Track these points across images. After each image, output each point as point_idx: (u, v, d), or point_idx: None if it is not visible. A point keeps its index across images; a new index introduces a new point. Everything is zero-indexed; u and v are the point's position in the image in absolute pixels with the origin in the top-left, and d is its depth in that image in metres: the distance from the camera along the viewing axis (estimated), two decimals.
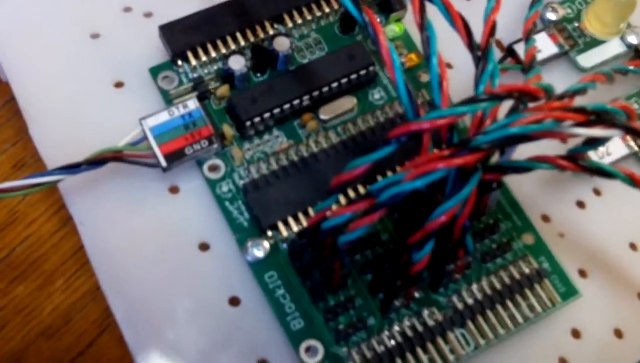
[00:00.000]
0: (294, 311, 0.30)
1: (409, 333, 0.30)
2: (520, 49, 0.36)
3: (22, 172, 0.35)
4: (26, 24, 0.35)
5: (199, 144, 0.32)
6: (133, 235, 0.31)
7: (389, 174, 0.32)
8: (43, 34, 0.35)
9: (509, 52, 0.36)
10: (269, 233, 0.31)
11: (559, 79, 0.35)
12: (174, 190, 0.32)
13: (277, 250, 0.31)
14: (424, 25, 0.28)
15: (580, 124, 0.24)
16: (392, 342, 0.30)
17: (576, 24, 0.37)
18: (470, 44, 0.28)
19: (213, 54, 0.34)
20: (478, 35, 0.28)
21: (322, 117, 0.34)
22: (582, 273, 0.33)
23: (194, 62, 0.34)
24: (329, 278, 0.29)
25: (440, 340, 0.30)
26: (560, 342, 0.32)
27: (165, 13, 0.35)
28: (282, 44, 0.34)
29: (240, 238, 0.31)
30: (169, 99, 0.33)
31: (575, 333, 0.32)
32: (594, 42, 0.37)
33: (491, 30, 0.28)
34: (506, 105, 0.28)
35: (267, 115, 0.33)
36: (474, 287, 0.31)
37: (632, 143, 0.35)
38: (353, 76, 0.34)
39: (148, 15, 0.36)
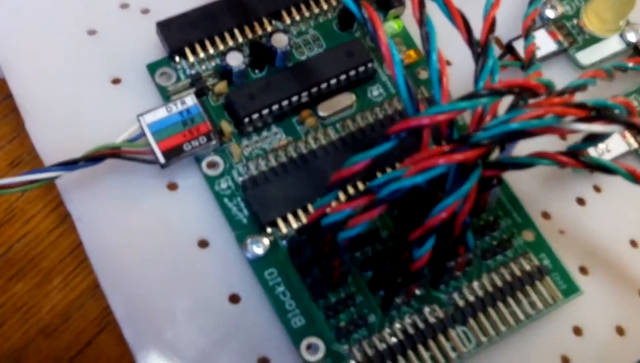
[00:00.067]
0: (294, 308, 0.30)
1: (410, 330, 0.30)
2: (519, 46, 0.36)
3: (19, 170, 0.34)
4: (23, 20, 0.35)
5: (197, 140, 0.32)
6: (131, 232, 0.31)
7: (389, 170, 0.32)
8: (40, 31, 0.35)
9: (508, 49, 0.36)
10: (269, 230, 0.31)
11: (558, 76, 0.35)
12: (172, 186, 0.32)
13: (276, 247, 0.31)
14: (423, 21, 0.28)
15: (581, 120, 0.24)
16: (394, 339, 0.29)
17: (575, 21, 0.37)
18: (470, 40, 0.28)
19: (211, 51, 0.34)
20: (477, 32, 0.28)
21: (321, 113, 0.34)
22: (583, 271, 0.33)
23: (191, 58, 0.34)
24: (329, 275, 0.29)
25: (441, 337, 0.30)
26: (561, 339, 0.32)
27: (163, 9, 0.35)
28: (280, 41, 0.34)
29: (239, 235, 0.31)
30: (166, 96, 0.33)
31: (577, 331, 0.32)
32: (593, 40, 0.37)
33: (491, 26, 0.28)
34: (506, 102, 0.27)
35: (265, 111, 0.33)
36: (475, 284, 0.31)
37: (631, 140, 0.35)
38: (352, 73, 0.34)
39: (145, 11, 0.36)
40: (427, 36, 0.27)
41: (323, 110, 0.34)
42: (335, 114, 0.34)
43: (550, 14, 0.37)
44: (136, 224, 0.31)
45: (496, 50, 0.28)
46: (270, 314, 0.30)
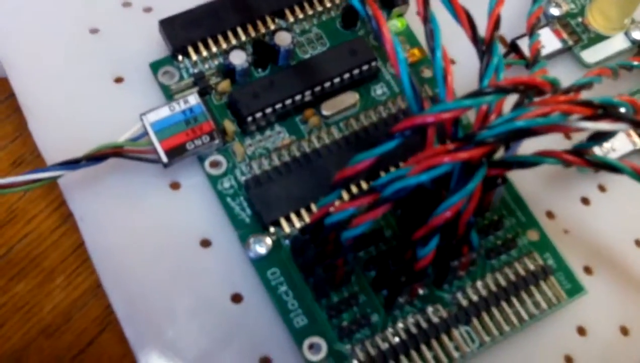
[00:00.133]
0: (297, 308, 0.30)
1: (413, 330, 0.30)
2: (523, 44, 0.36)
3: (22, 169, 0.34)
4: (25, 19, 0.35)
5: (200, 139, 0.31)
6: (134, 232, 0.31)
7: (392, 170, 0.32)
8: (42, 30, 0.35)
9: (512, 47, 0.36)
10: (271, 229, 0.31)
11: (562, 75, 0.34)
12: (175, 186, 0.32)
13: (279, 247, 0.31)
14: (427, 18, 0.27)
15: (587, 118, 0.24)
16: (396, 339, 0.29)
17: (580, 20, 0.37)
18: (475, 38, 0.28)
19: (214, 49, 0.34)
20: (481, 30, 0.28)
21: (324, 112, 0.33)
22: (588, 270, 0.33)
23: (194, 57, 0.34)
24: (332, 275, 0.29)
25: (444, 337, 0.30)
26: (565, 339, 0.31)
27: (165, 8, 0.35)
28: (283, 39, 0.34)
29: (242, 235, 0.31)
30: (169, 95, 0.33)
31: (581, 331, 0.32)
32: (598, 38, 0.37)
33: (495, 23, 0.28)
34: (510, 101, 0.27)
35: (268, 110, 0.32)
36: (479, 283, 0.31)
37: (636, 139, 0.35)
38: (355, 71, 0.34)
39: (148, 10, 0.36)
40: (432, 33, 0.27)
41: (326, 109, 0.33)
42: (339, 113, 0.34)
43: (554, 12, 0.37)
44: (138, 223, 0.31)
45: (500, 49, 0.28)
46: (272, 314, 0.30)
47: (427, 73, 0.35)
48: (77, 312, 0.32)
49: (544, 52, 0.36)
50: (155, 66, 0.34)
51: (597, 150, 0.34)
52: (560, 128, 0.24)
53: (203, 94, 0.33)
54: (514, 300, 0.30)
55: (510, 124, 0.24)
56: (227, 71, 0.33)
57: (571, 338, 0.31)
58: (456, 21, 0.28)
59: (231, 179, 0.32)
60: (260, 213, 0.31)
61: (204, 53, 0.34)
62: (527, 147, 0.28)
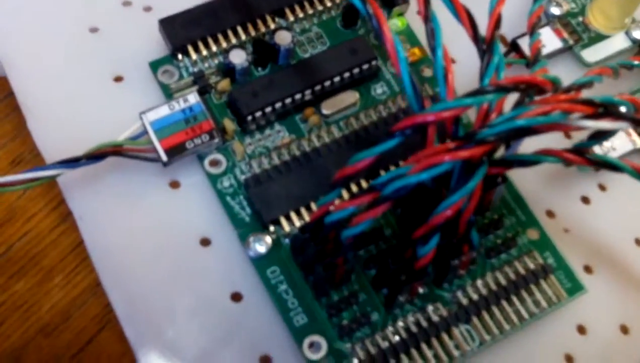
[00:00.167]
0: (297, 307, 0.30)
1: (414, 329, 0.30)
2: (524, 43, 0.36)
3: (20, 168, 0.34)
4: (24, 18, 0.35)
5: (199, 138, 0.31)
6: (133, 230, 0.31)
7: (392, 169, 0.32)
8: (42, 29, 0.35)
9: (513, 46, 0.36)
10: (271, 228, 0.31)
11: (563, 74, 0.34)
12: (174, 185, 0.32)
13: (279, 246, 0.31)
14: (428, 17, 0.27)
15: (588, 117, 0.24)
16: (397, 338, 0.29)
17: (580, 19, 0.37)
18: (475, 37, 0.28)
19: (214, 48, 0.34)
20: (481, 29, 0.28)
21: (324, 111, 0.33)
22: (588, 269, 0.33)
23: (194, 56, 0.34)
24: (332, 274, 0.29)
25: (445, 336, 0.30)
26: (565, 338, 0.31)
27: (165, 7, 0.34)
28: (283, 38, 0.34)
29: (242, 234, 0.31)
30: (169, 93, 0.33)
31: (581, 329, 0.32)
32: (599, 37, 0.37)
33: (496, 22, 0.28)
34: (510, 101, 0.27)
35: (268, 109, 0.32)
36: (479, 282, 0.31)
37: (636, 138, 0.35)
38: (355, 70, 0.34)
39: (147, 9, 0.36)
40: (433, 32, 0.27)
41: (326, 108, 0.33)
42: (339, 112, 0.34)
43: (555, 11, 0.37)
44: (138, 222, 0.31)
45: (501, 48, 0.28)
46: (272, 312, 0.30)
47: (427, 72, 0.35)
48: (76, 311, 0.32)
49: (545, 51, 0.36)
50: (154, 65, 0.34)
51: (597, 149, 0.34)
52: (561, 127, 0.24)
53: (203, 93, 0.33)
54: (514, 299, 0.30)
55: (511, 122, 0.24)
56: (227, 70, 0.33)
57: (571, 337, 0.31)
58: (457, 20, 0.28)
59: (231, 178, 0.32)
60: (260, 212, 0.31)
61: (204, 52, 0.34)
62: (527, 146, 0.28)
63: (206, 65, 0.34)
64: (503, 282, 0.31)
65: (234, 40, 0.34)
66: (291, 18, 0.35)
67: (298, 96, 0.33)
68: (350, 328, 0.29)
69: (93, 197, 0.31)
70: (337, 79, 0.33)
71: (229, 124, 0.32)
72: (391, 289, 0.29)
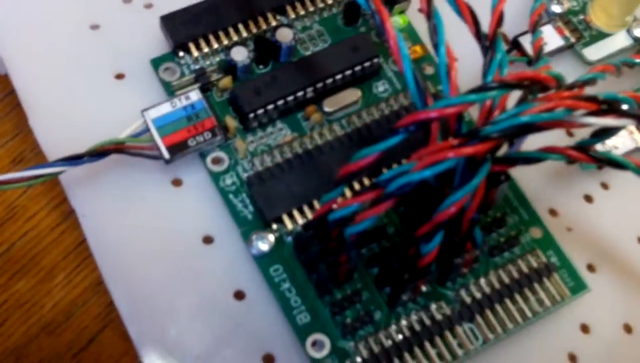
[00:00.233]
0: (299, 305, 0.30)
1: (417, 327, 0.29)
2: (525, 41, 0.35)
3: (22, 166, 0.34)
4: (26, 16, 0.35)
5: (202, 135, 0.31)
6: (136, 228, 0.31)
7: (395, 166, 0.32)
8: (43, 26, 0.34)
9: (514, 44, 0.36)
10: (274, 226, 0.31)
11: (564, 72, 0.34)
12: (176, 182, 0.32)
13: (282, 244, 0.31)
14: (431, 13, 0.27)
15: (591, 113, 0.24)
16: (400, 336, 0.29)
17: (582, 17, 0.37)
18: (478, 34, 0.28)
19: (215, 45, 0.34)
20: (484, 26, 0.28)
21: (326, 109, 0.33)
22: (591, 268, 0.33)
23: (195, 53, 0.33)
24: (335, 272, 0.29)
25: (448, 335, 0.30)
26: (568, 336, 0.31)
27: (166, 4, 0.34)
28: (285, 35, 0.33)
29: (244, 232, 0.31)
30: (170, 91, 0.33)
31: (584, 328, 0.32)
32: (600, 35, 0.37)
33: (499, 19, 0.28)
34: (513, 99, 0.27)
35: (270, 107, 0.32)
36: (482, 281, 0.30)
37: (638, 137, 0.35)
38: (357, 68, 0.34)
39: (148, 6, 0.36)
40: (435, 29, 0.27)
41: (328, 105, 0.33)
42: (341, 109, 0.33)
43: (556, 9, 0.37)
44: (140, 220, 0.31)
45: (503, 46, 0.28)
46: (275, 311, 0.30)
47: (428, 70, 0.35)
48: (77, 310, 0.32)
49: (546, 49, 0.36)
50: (156, 62, 0.34)
51: (600, 148, 0.34)
52: (564, 123, 0.24)
53: (204, 90, 0.33)
54: (518, 297, 0.30)
55: (515, 119, 0.24)
56: (228, 67, 0.33)
57: (574, 336, 0.31)
58: (459, 17, 0.28)
59: (233, 176, 0.32)
60: (262, 210, 0.31)
61: (205, 49, 0.34)
62: (529, 145, 0.28)
63: (207, 62, 0.34)
64: (506, 280, 0.31)
65: (235, 38, 0.34)
66: (292, 15, 0.35)
67: (300, 94, 0.33)
68: (354, 327, 0.29)
69: (95, 195, 0.31)
70: (339, 76, 0.33)
71: (231, 122, 0.32)
72: (394, 288, 0.29)
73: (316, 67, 0.33)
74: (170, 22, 0.33)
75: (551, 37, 0.36)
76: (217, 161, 0.32)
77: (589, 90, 0.30)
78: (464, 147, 0.24)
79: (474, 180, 0.25)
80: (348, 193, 0.31)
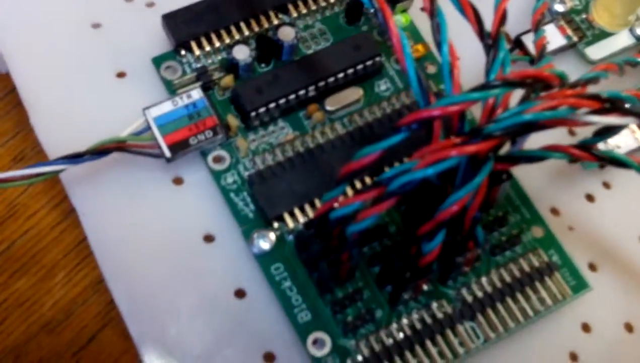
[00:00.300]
0: (300, 303, 0.30)
1: (418, 326, 0.29)
2: (527, 40, 0.35)
3: (22, 165, 0.34)
4: (27, 14, 0.35)
5: (203, 134, 0.31)
6: (137, 227, 0.31)
7: (396, 165, 0.32)
8: (44, 25, 0.34)
9: (517, 43, 0.36)
10: (275, 224, 0.31)
11: (567, 71, 0.34)
12: (178, 181, 0.32)
13: (283, 242, 0.31)
14: (434, 12, 0.27)
15: (595, 112, 0.24)
16: (401, 335, 0.29)
17: (584, 16, 0.37)
18: (481, 32, 0.28)
19: (217, 44, 0.34)
20: (486, 24, 0.28)
21: (328, 108, 0.33)
22: (592, 267, 0.33)
23: (197, 52, 0.33)
24: (337, 270, 0.29)
25: (449, 333, 0.30)
26: (570, 335, 0.31)
27: (168, 2, 0.34)
28: (287, 34, 0.33)
29: (245, 230, 0.31)
30: (172, 90, 0.33)
31: (585, 327, 0.31)
32: (603, 34, 0.37)
33: (502, 17, 0.28)
34: (515, 98, 0.27)
35: (272, 105, 0.32)
36: (484, 279, 0.30)
37: None
38: (359, 67, 0.33)
39: (150, 4, 0.36)
40: (438, 27, 0.27)
41: (330, 104, 0.33)
42: (343, 108, 0.33)
43: (559, 8, 0.37)
44: (141, 219, 0.31)
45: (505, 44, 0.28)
46: (276, 309, 0.30)
47: (431, 69, 0.35)
48: (77, 309, 0.32)
49: (548, 48, 0.36)
50: (157, 61, 0.34)
51: (602, 147, 0.34)
52: (568, 122, 0.24)
53: (206, 89, 0.33)
54: (519, 296, 0.30)
55: (518, 117, 0.24)
56: (230, 66, 0.33)
57: (576, 334, 0.31)
58: (462, 15, 0.28)
59: (234, 174, 0.32)
60: (263, 209, 0.31)
61: (207, 48, 0.33)
62: (531, 145, 0.28)
63: (209, 61, 0.34)
64: (508, 279, 0.30)
65: (237, 36, 0.34)
66: (294, 14, 0.35)
67: (302, 92, 0.33)
68: (355, 325, 0.29)
69: (96, 194, 0.31)
70: (340, 75, 0.33)
71: (233, 120, 0.32)
72: (395, 286, 0.29)
73: (318, 65, 0.33)
74: (172, 20, 0.33)
75: (553, 36, 0.36)
76: (218, 160, 0.32)
77: (591, 89, 0.30)
78: (467, 145, 0.24)
79: (476, 178, 0.25)
80: (350, 192, 0.31)
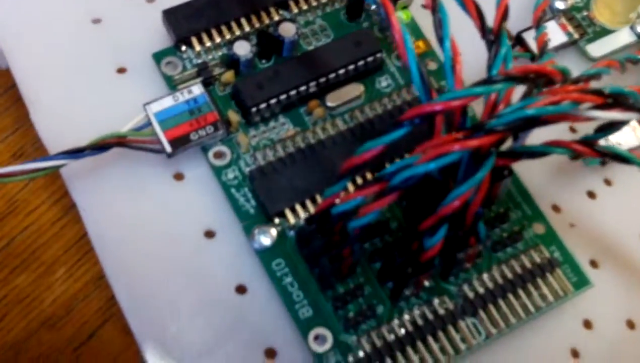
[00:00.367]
0: (302, 299, 0.29)
1: (420, 322, 0.29)
2: (529, 37, 0.35)
3: (22, 161, 0.34)
4: (27, 10, 0.35)
5: (204, 129, 0.31)
6: (137, 222, 0.31)
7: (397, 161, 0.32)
8: (45, 20, 0.34)
9: (518, 40, 0.36)
10: (276, 220, 0.31)
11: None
12: (178, 177, 0.32)
13: (284, 238, 0.30)
14: (436, 7, 0.27)
15: (597, 107, 0.24)
16: (402, 331, 0.29)
17: (585, 13, 0.37)
18: (483, 28, 0.28)
19: (217, 40, 0.33)
20: (488, 20, 0.28)
21: (329, 104, 0.33)
22: (594, 264, 0.33)
23: (198, 47, 0.33)
24: (338, 266, 0.29)
25: (451, 329, 0.29)
26: (571, 332, 0.31)
27: None
28: (287, 30, 0.33)
29: (246, 226, 0.31)
30: (172, 85, 0.33)
31: (587, 324, 0.31)
32: (604, 32, 0.37)
33: (504, 13, 0.28)
34: (517, 95, 0.27)
35: (273, 101, 0.32)
36: (485, 275, 0.30)
37: None
38: (360, 63, 0.33)
39: (150, 0, 0.35)
40: (440, 23, 0.27)
41: (331, 100, 0.33)
42: (344, 104, 0.33)
43: (560, 5, 0.37)
44: (142, 214, 0.31)
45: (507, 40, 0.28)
46: (277, 305, 0.30)
47: (432, 65, 0.35)
48: (78, 304, 0.32)
49: (550, 45, 0.35)
50: (158, 56, 0.33)
51: (603, 144, 0.34)
52: (570, 117, 0.24)
53: (207, 84, 0.33)
54: (521, 293, 0.30)
55: (521, 112, 0.24)
56: (231, 62, 0.33)
57: (577, 331, 0.31)
58: (464, 11, 0.28)
59: (235, 170, 0.32)
60: (264, 205, 0.31)
61: (208, 43, 0.33)
62: (533, 141, 0.28)
63: (210, 56, 0.33)
64: (509, 275, 0.30)
65: (238, 32, 0.34)
66: (295, 10, 0.35)
67: (303, 88, 0.33)
68: (356, 321, 0.29)
69: (97, 189, 0.31)
70: (341, 71, 0.33)
71: (234, 116, 0.32)
72: (397, 282, 0.29)
73: (319, 61, 0.33)
74: (173, 16, 0.33)
75: (555, 33, 0.36)
76: (219, 155, 0.32)
77: (593, 85, 0.30)
78: (470, 140, 0.24)
79: (478, 173, 0.25)
80: (351, 187, 0.31)
